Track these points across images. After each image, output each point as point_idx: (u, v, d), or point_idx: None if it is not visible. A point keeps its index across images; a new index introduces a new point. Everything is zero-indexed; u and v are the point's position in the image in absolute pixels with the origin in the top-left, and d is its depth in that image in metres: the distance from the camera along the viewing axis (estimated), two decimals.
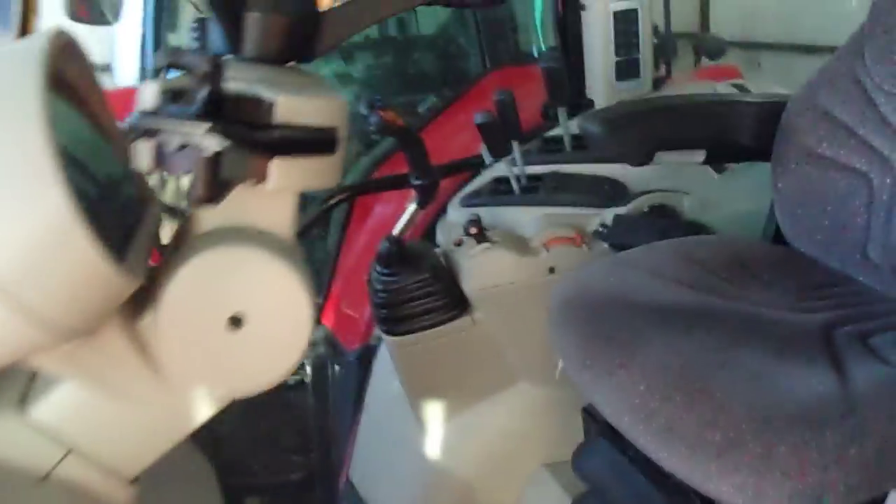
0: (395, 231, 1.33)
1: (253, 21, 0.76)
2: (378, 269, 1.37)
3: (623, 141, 1.15)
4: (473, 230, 1.31)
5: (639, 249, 1.14)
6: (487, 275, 1.34)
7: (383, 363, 1.53)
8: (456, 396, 1.44)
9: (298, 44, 0.77)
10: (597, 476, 1.14)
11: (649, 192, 1.40)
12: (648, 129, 1.16)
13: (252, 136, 0.70)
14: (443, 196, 1.73)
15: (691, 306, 0.98)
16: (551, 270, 1.34)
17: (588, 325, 0.96)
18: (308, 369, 2.14)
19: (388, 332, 1.40)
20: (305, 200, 1.47)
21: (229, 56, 0.78)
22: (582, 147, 1.53)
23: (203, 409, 0.78)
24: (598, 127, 1.13)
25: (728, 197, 1.40)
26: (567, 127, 1.52)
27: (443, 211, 1.59)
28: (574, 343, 0.96)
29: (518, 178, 1.49)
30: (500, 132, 1.37)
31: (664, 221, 1.28)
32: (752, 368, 0.83)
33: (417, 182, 1.24)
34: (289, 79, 0.77)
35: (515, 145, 1.44)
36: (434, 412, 1.45)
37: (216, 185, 0.68)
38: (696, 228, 1.27)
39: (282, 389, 2.11)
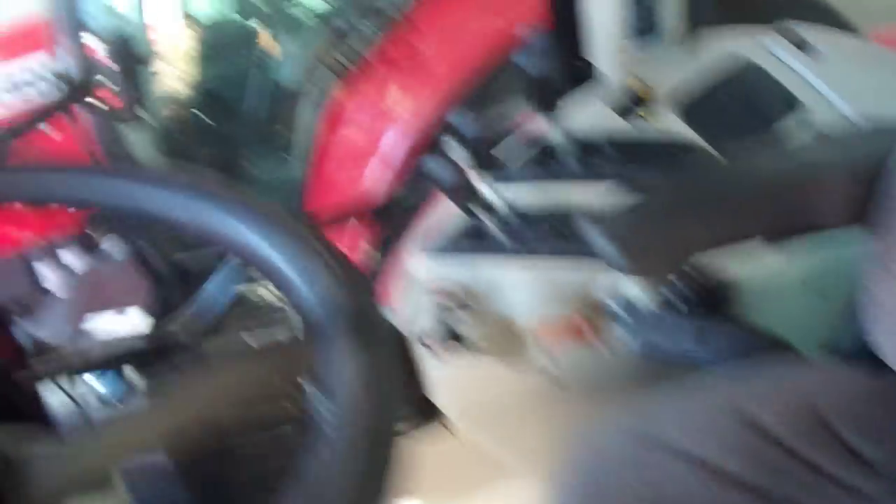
0: None
1: None
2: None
3: (646, 260, 0.76)
4: (444, 343, 0.94)
5: (672, 407, 0.79)
6: (465, 390, 0.99)
7: None
8: (440, 497, 1.14)
9: None
10: None
11: None
12: (682, 235, 0.76)
13: None
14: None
15: None
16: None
17: None
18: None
19: None
20: None
21: None
22: (593, 157, 1.09)
23: None
24: (610, 246, 0.74)
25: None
26: (562, 133, 1.07)
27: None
28: None
29: (499, 218, 1.08)
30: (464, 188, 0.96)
31: (700, 322, 0.89)
32: None
33: None
34: None
35: (485, 176, 1.02)
36: None
37: None
38: (744, 329, 0.89)
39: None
